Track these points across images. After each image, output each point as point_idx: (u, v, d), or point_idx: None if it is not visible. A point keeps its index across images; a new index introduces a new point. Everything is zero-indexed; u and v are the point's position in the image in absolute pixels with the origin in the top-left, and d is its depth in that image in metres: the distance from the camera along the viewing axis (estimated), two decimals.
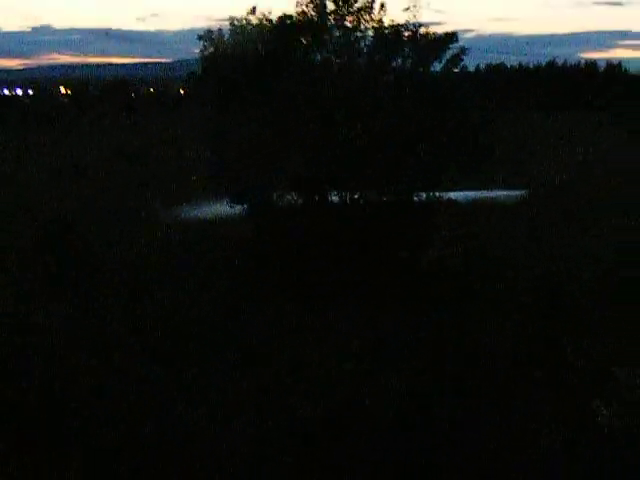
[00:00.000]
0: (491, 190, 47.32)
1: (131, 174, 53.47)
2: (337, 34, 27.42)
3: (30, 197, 43.03)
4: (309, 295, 23.28)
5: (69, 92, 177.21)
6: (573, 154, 65.56)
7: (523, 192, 46.99)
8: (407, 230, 26.18)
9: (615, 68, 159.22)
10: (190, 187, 44.94)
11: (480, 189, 46.79)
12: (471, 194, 45.14)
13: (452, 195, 30.59)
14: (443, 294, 23.57)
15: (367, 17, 27.34)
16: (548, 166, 57.50)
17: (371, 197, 27.30)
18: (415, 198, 27.18)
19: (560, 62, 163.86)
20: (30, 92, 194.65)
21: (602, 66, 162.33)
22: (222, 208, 35.76)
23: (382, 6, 27.19)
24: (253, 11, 27.49)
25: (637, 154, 63.99)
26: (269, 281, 24.98)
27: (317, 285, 23.80)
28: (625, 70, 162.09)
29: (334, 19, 27.07)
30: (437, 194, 27.27)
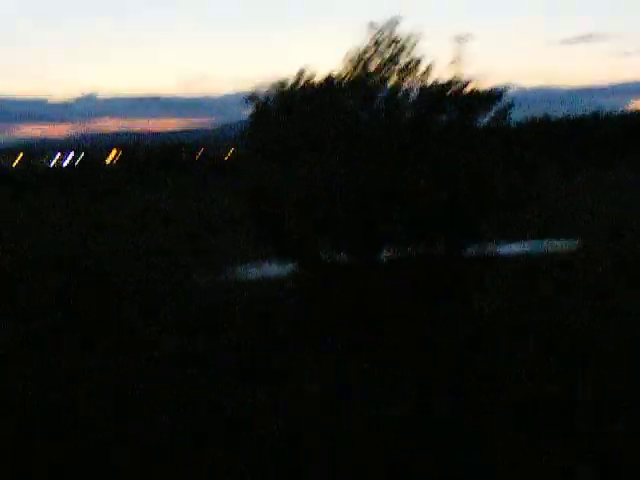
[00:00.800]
0: (545, 241, 47.30)
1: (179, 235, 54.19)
2: (381, 93, 27.72)
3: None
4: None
5: (117, 158, 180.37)
6: (619, 207, 65.30)
7: (576, 242, 46.77)
8: (461, 283, 26.32)
9: None
10: (238, 246, 45.34)
11: (533, 240, 46.81)
12: (523, 246, 45.08)
13: (505, 248, 30.65)
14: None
15: (411, 76, 27.61)
16: (599, 219, 57.31)
17: (420, 252, 27.37)
18: (465, 252, 27.21)
19: (604, 112, 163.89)
20: (78, 157, 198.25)
21: None
22: (271, 267, 36.07)
23: (429, 65, 27.52)
24: (300, 73, 27.90)
25: None
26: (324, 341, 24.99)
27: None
28: None
29: (379, 78, 27.39)
30: (488, 248, 27.34)
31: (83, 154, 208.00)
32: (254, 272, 39.24)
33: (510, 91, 27.93)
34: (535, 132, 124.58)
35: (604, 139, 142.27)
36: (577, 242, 46.72)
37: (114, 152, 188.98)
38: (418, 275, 26.57)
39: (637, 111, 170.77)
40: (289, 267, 29.94)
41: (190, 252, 46.68)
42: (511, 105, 27.92)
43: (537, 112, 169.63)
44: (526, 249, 44.05)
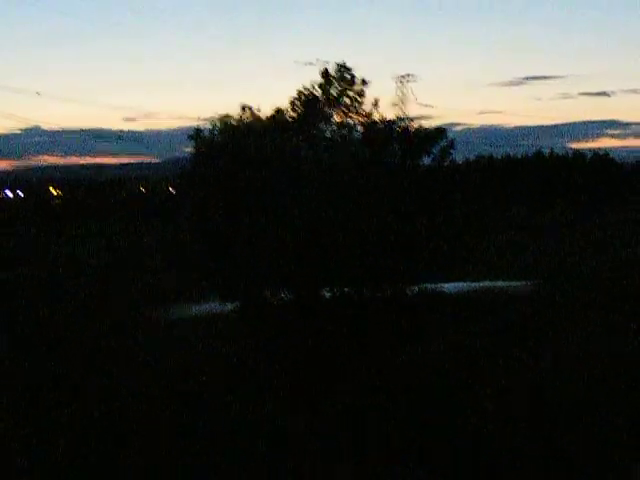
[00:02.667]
0: (493, 281, 47.39)
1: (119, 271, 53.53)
2: (326, 131, 27.63)
3: None
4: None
5: (60, 193, 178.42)
6: (567, 247, 65.95)
7: (526, 283, 46.95)
8: (404, 326, 26.13)
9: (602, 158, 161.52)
10: (177, 285, 44.81)
11: (479, 280, 46.86)
12: (472, 285, 45.11)
13: (449, 286, 30.49)
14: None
15: (356, 114, 27.57)
16: (543, 258, 57.76)
17: (363, 293, 27.12)
18: (409, 292, 27.01)
19: (547, 152, 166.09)
20: (20, 194, 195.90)
21: (589, 156, 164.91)
22: (212, 306, 35.65)
23: (376, 102, 27.54)
24: (244, 109, 27.66)
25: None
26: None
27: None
28: (611, 159, 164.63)
29: (323, 116, 27.31)
30: (433, 286, 27.21)
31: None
32: (200, 309, 39.00)
33: (455, 129, 28.06)
34: (479, 171, 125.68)
35: (545, 179, 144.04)
36: (522, 283, 46.98)
37: (53, 191, 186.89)
38: (359, 316, 26.36)
39: (579, 151, 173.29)
40: (232, 305, 29.55)
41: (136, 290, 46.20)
42: (453, 144, 27.97)
43: (482, 150, 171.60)
44: (471, 288, 44.14)
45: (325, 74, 27.35)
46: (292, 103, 27.33)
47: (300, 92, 27.32)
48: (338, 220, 25.64)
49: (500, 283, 47.77)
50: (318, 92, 27.36)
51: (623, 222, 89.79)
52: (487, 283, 47.21)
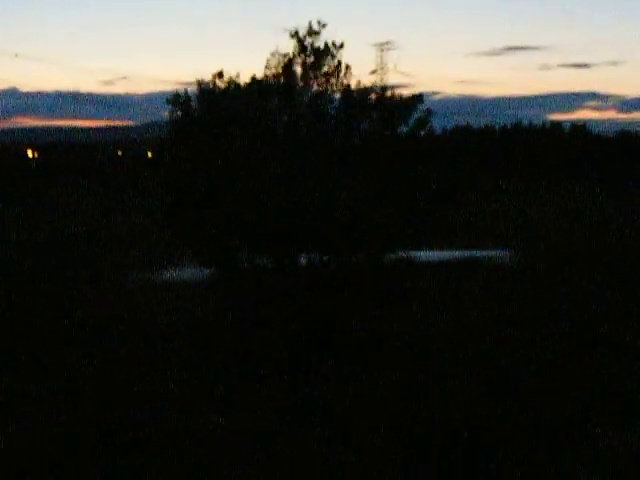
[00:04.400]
0: (472, 250, 47.58)
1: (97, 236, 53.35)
2: (305, 98, 27.60)
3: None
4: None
5: (36, 155, 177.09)
6: (547, 215, 66.33)
7: (508, 252, 47.18)
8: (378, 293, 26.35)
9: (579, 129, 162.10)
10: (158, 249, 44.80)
11: (460, 249, 47.08)
12: (450, 254, 45.34)
13: (427, 254, 30.69)
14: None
15: (334, 80, 27.54)
16: (525, 227, 58.06)
17: (341, 258, 27.28)
18: (385, 260, 27.18)
19: (526, 123, 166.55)
20: None
21: (567, 127, 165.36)
22: (191, 271, 35.73)
23: (347, 68, 27.46)
24: (220, 75, 27.61)
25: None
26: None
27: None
28: (589, 131, 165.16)
29: (302, 83, 27.29)
30: (412, 253, 27.39)
31: None
32: (175, 275, 39.07)
33: (434, 98, 28.13)
34: (457, 140, 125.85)
35: (525, 151, 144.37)
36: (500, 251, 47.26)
37: (30, 153, 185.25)
38: (337, 281, 26.52)
39: (557, 123, 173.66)
40: (207, 271, 29.66)
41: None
42: (431, 112, 28.02)
43: (460, 120, 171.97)
44: (451, 256, 44.36)
45: (296, 36, 27.22)
46: (267, 67, 27.27)
47: (273, 55, 27.22)
48: (312, 187, 25.78)
49: (480, 252, 48.04)
50: (296, 58, 27.31)
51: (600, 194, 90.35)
52: (466, 252, 47.48)
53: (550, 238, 51.67)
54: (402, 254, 27.20)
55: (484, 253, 46.42)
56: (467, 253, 46.01)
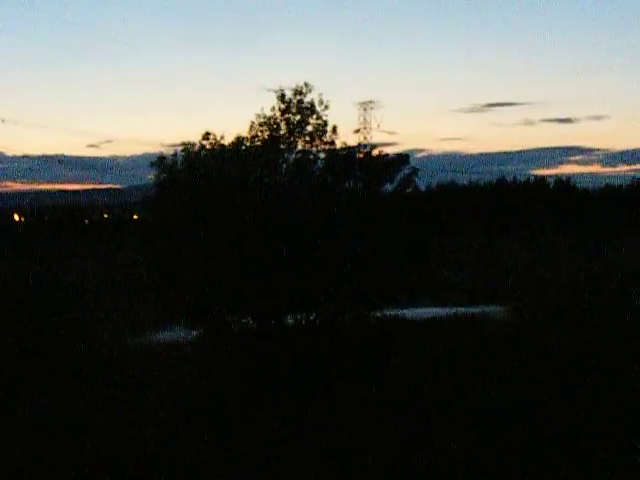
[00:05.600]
0: (456, 307, 47.36)
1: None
2: (289, 158, 27.74)
3: None
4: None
5: (23, 220, 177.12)
6: (532, 272, 66.33)
7: (499, 308, 46.99)
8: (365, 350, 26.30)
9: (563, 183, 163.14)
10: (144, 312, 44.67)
11: (449, 306, 46.89)
12: (440, 311, 45.14)
13: (412, 312, 30.50)
14: None
15: (319, 141, 27.72)
16: (514, 283, 58.00)
17: (327, 317, 27.21)
18: (371, 317, 27.15)
19: (510, 179, 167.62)
20: None
21: (551, 182, 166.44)
22: (178, 333, 35.53)
23: (334, 129, 27.66)
24: (207, 136, 27.75)
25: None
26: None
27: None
28: (573, 185, 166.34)
29: (287, 143, 27.45)
30: (395, 312, 27.44)
31: None
32: (167, 336, 38.94)
33: (418, 156, 28.37)
34: (442, 197, 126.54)
35: (508, 205, 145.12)
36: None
37: (16, 217, 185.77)
38: (322, 341, 26.43)
39: (541, 177, 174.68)
40: (196, 332, 29.46)
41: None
42: (416, 171, 28.23)
43: (445, 177, 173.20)
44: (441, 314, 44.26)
45: (282, 98, 27.45)
46: (251, 128, 27.44)
47: (259, 117, 27.41)
48: (298, 248, 25.80)
49: (466, 309, 47.86)
50: (278, 118, 27.49)
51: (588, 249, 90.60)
52: (454, 309, 47.31)
53: (538, 293, 51.66)
54: (390, 312, 27.24)
55: (474, 310, 46.30)
56: (456, 310, 45.90)
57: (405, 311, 30.29)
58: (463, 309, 47.07)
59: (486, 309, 47.14)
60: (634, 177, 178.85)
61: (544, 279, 57.82)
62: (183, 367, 30.72)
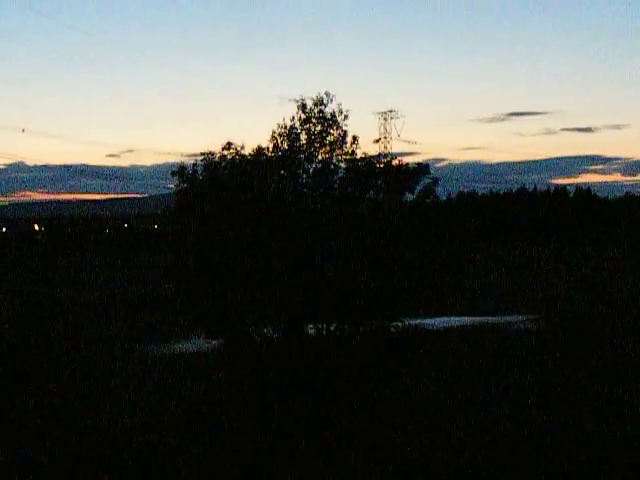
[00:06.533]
0: (488, 316, 47.28)
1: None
2: (310, 168, 27.62)
3: None
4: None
5: (43, 229, 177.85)
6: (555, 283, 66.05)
7: (529, 317, 46.87)
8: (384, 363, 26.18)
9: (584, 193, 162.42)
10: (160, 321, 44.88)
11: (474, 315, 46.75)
12: (464, 320, 44.97)
13: (437, 321, 30.35)
14: None
15: (339, 150, 27.59)
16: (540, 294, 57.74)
17: (347, 329, 27.07)
18: (393, 328, 26.95)
19: (530, 188, 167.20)
20: (4, 229, 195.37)
21: (572, 191, 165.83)
22: (199, 342, 35.63)
23: (354, 139, 27.53)
24: (228, 146, 27.66)
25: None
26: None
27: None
28: (594, 194, 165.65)
29: (307, 153, 27.34)
30: (419, 321, 27.29)
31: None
32: (184, 346, 39.26)
33: (438, 165, 28.23)
34: (463, 207, 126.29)
35: (530, 215, 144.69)
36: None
37: (36, 227, 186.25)
38: (342, 352, 26.33)
39: (562, 187, 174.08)
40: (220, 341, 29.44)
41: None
42: (437, 181, 28.05)
43: (465, 186, 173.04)
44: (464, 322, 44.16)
45: (303, 108, 27.33)
46: (272, 138, 27.32)
47: (279, 126, 27.30)
48: (320, 258, 25.71)
49: (491, 318, 47.68)
50: (299, 128, 27.37)
51: (611, 258, 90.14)
52: (471, 319, 47.16)
53: (559, 304, 51.50)
54: (412, 322, 27.08)
55: (499, 319, 46.21)
56: (481, 319, 45.83)
57: (433, 320, 30.28)
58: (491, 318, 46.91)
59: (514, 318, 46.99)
60: None
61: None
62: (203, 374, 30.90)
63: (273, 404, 25.02)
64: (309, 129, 27.34)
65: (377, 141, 33.03)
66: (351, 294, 25.65)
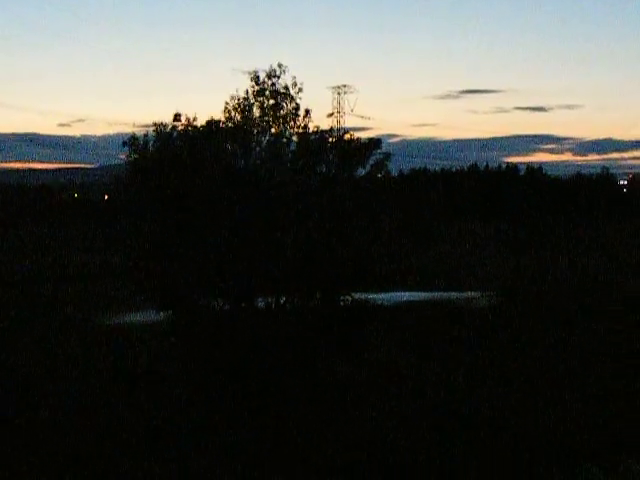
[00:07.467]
0: (429, 292, 47.58)
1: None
2: (263, 140, 27.54)
3: None
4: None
5: None
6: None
7: (478, 294, 47.23)
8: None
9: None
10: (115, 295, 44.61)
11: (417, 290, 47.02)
12: (408, 295, 45.17)
13: (386, 296, 30.42)
14: None
15: (292, 124, 27.53)
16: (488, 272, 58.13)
17: (296, 301, 27.10)
18: (342, 302, 27.01)
19: (482, 166, 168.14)
20: None
21: (523, 169, 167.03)
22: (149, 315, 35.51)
23: (307, 112, 27.46)
24: (178, 117, 27.46)
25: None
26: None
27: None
28: (545, 173, 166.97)
29: (260, 126, 27.24)
30: (371, 295, 27.39)
31: None
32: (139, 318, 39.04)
33: (391, 141, 28.27)
34: (414, 183, 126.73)
35: (480, 192, 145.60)
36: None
37: None
38: (294, 324, 26.35)
39: (514, 165, 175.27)
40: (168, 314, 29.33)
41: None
42: (389, 156, 28.12)
43: (418, 163, 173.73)
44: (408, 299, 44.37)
45: (256, 80, 27.17)
46: (225, 110, 27.15)
47: (233, 99, 27.12)
48: (269, 229, 25.68)
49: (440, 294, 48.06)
50: (252, 100, 27.24)
51: (562, 235, 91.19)
52: (424, 294, 47.48)
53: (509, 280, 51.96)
54: (360, 296, 27.13)
55: (451, 295, 46.57)
56: (433, 295, 46.17)
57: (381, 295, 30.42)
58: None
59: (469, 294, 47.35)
60: (604, 167, 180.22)
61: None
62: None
63: (219, 372, 25.04)
64: (262, 102, 27.23)
65: (330, 115, 33.00)
66: (301, 268, 25.67)
